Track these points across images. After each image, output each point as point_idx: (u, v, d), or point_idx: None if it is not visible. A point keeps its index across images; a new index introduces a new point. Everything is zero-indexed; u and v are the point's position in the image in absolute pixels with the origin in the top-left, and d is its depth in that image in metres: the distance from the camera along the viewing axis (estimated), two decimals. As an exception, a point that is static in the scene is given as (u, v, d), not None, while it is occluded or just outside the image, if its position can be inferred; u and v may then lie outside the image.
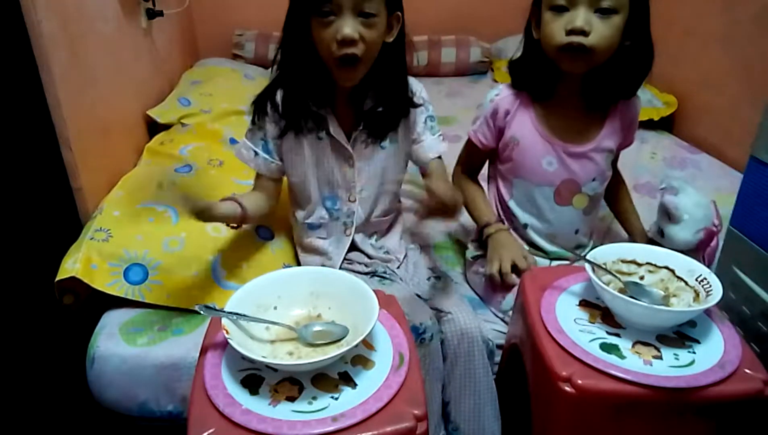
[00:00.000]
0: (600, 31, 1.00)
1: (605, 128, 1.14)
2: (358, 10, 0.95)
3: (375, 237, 1.20)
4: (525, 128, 1.14)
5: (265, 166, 1.12)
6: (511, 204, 1.20)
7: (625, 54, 1.04)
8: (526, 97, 1.15)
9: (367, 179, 1.13)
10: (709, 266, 1.16)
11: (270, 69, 1.09)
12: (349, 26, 0.95)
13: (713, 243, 1.18)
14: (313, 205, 1.15)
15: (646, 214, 1.33)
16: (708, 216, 1.19)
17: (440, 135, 1.17)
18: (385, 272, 1.13)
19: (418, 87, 1.13)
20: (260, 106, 1.09)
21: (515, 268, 1.11)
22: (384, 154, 1.12)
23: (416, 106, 1.12)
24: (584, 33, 0.99)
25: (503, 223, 1.20)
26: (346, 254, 1.16)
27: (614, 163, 1.25)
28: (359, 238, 1.17)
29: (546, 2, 1.04)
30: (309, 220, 1.16)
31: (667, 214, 1.20)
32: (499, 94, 1.17)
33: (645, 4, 1.04)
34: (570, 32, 1.00)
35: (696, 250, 1.19)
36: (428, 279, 1.14)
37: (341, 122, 1.08)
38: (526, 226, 1.20)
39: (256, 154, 1.11)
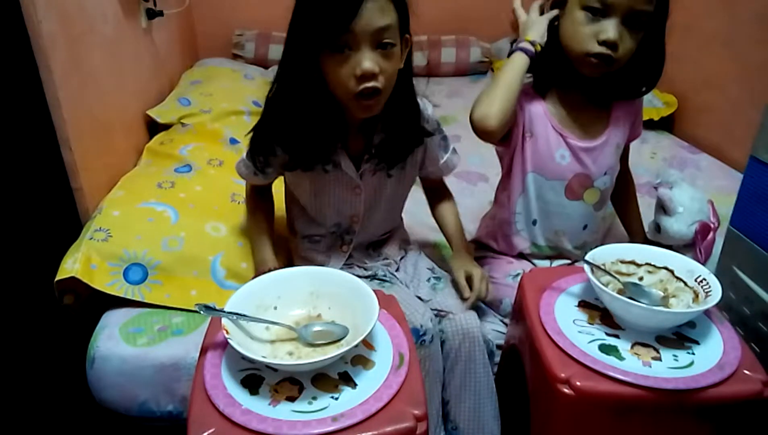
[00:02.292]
0: (626, 44, 1.01)
1: (612, 123, 1.15)
2: (376, 42, 0.88)
3: (372, 248, 1.20)
4: (538, 121, 1.13)
5: (265, 179, 1.12)
6: (519, 203, 1.18)
7: (633, 61, 1.04)
8: (534, 95, 1.14)
9: (373, 206, 1.12)
10: (705, 261, 1.17)
11: (270, 94, 1.01)
12: (368, 60, 0.87)
13: (710, 237, 1.19)
14: (314, 225, 1.14)
15: (646, 213, 1.33)
16: (703, 209, 1.20)
17: (453, 148, 1.16)
18: (384, 275, 1.13)
19: (428, 109, 1.09)
20: (262, 146, 1.03)
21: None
22: (391, 182, 1.10)
23: (429, 135, 1.08)
24: (615, 46, 1.00)
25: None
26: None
27: (624, 160, 1.25)
28: (356, 253, 1.17)
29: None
30: (308, 233, 1.16)
31: (662, 208, 1.21)
32: None
33: (663, 20, 1.05)
34: (602, 43, 1.00)
35: (692, 244, 1.19)
36: (428, 280, 1.14)
37: (351, 155, 1.04)
38: (535, 222, 1.19)
39: (256, 173, 1.09)
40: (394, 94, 0.97)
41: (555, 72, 1.10)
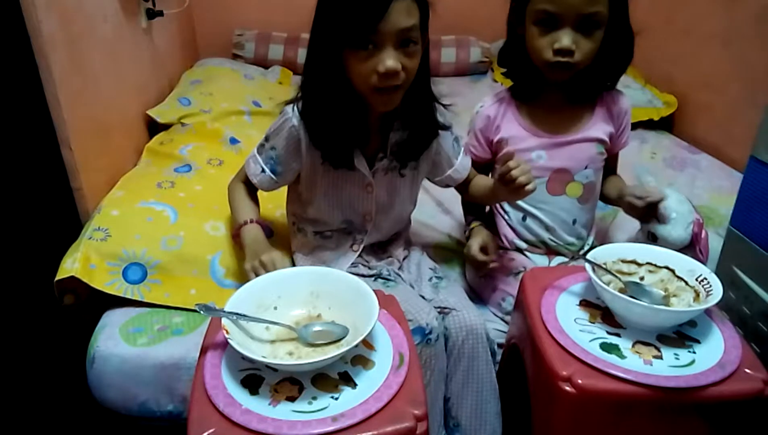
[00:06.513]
0: (584, 47, 1.05)
1: (594, 118, 1.18)
2: (400, 41, 0.90)
3: (378, 246, 1.20)
4: (512, 128, 1.19)
5: (268, 184, 1.09)
6: (506, 202, 1.24)
7: (604, 51, 1.08)
8: (510, 100, 1.20)
9: (386, 205, 1.12)
10: (706, 258, 1.16)
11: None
12: (392, 58, 0.89)
13: (703, 234, 1.19)
14: (325, 222, 1.13)
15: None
16: (691, 210, 1.20)
17: (463, 150, 1.17)
18: (389, 274, 1.13)
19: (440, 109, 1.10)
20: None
21: (485, 250, 1.15)
22: (403, 182, 1.11)
23: (445, 128, 1.09)
24: (571, 53, 1.04)
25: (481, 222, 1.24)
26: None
27: (612, 166, 1.26)
28: (363, 252, 1.16)
29: (530, 14, 1.06)
30: (319, 230, 1.15)
31: (655, 218, 1.20)
32: (484, 105, 1.22)
33: (624, 11, 1.07)
34: (557, 52, 1.04)
35: (692, 246, 1.19)
36: (430, 279, 1.14)
37: (365, 153, 1.04)
38: (525, 218, 1.22)
39: (263, 170, 1.07)
40: (413, 91, 0.99)
41: (529, 81, 1.16)
